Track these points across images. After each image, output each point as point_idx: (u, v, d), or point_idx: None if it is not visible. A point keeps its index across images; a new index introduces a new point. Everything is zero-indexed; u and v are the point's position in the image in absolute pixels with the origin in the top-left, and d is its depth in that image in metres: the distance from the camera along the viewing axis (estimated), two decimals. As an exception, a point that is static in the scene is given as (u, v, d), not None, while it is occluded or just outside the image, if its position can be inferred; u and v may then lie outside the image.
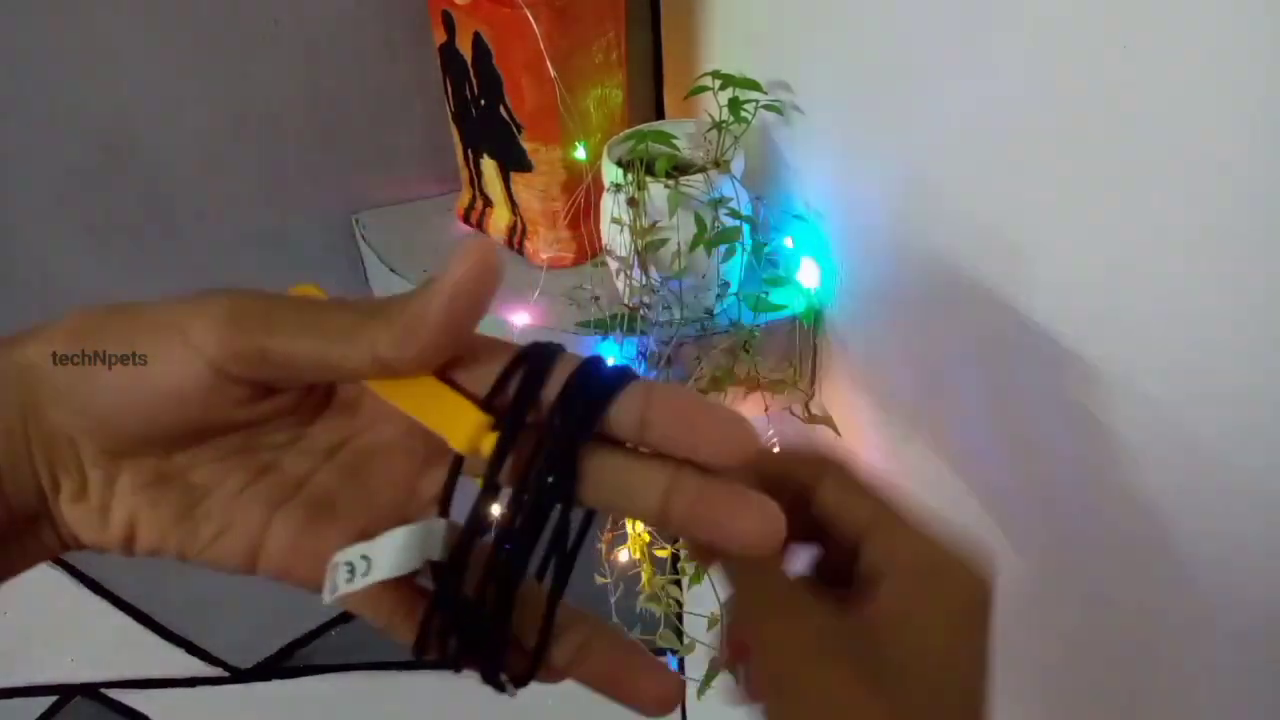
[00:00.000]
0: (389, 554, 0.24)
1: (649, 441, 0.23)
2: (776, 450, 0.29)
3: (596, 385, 0.23)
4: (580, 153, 0.71)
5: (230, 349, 0.24)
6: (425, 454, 0.28)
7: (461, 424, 0.24)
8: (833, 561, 0.29)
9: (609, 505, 0.24)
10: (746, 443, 0.22)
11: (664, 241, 0.62)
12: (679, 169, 0.62)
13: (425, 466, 0.28)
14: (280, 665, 1.21)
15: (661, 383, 0.27)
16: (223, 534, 0.27)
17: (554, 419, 0.23)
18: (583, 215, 0.73)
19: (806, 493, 0.28)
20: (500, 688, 0.26)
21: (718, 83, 0.63)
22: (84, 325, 0.25)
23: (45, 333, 0.25)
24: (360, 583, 0.24)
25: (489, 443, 0.24)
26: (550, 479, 0.23)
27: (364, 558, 0.24)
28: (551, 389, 0.23)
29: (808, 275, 0.67)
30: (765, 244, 0.67)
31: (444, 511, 0.25)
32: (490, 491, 0.24)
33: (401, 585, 0.27)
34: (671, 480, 0.23)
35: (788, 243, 0.68)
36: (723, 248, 0.61)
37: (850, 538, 0.27)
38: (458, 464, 0.25)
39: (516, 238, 0.78)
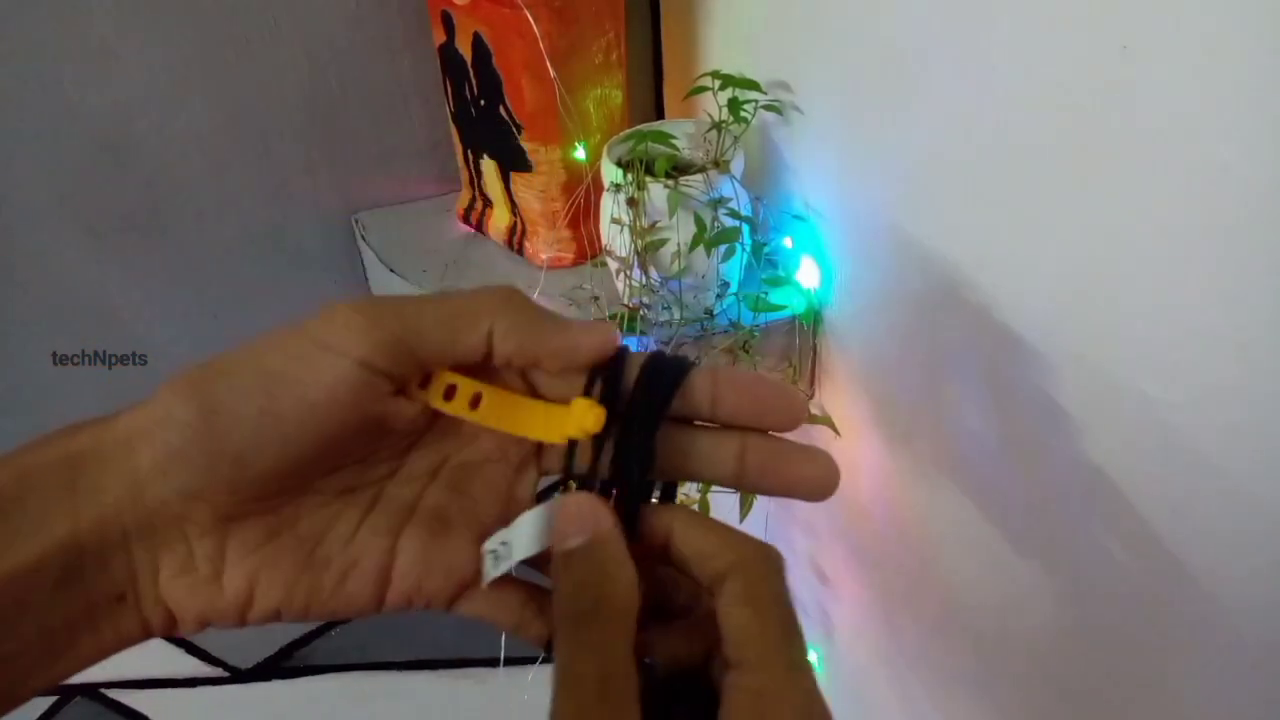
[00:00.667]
0: (524, 536, 0.27)
1: (719, 416, 0.27)
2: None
3: (669, 372, 0.27)
4: (580, 153, 0.71)
5: (374, 339, 0.25)
6: (517, 462, 0.30)
7: (564, 416, 0.27)
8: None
9: (691, 472, 0.28)
10: (800, 409, 0.27)
11: (664, 242, 0.62)
12: (679, 169, 0.62)
13: (518, 474, 0.30)
14: (280, 665, 1.21)
15: (723, 366, 0.28)
16: (348, 574, 0.27)
17: (639, 397, 0.27)
18: (582, 215, 0.73)
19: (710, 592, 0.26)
20: None
21: (717, 83, 0.63)
22: (197, 382, 0.25)
23: (150, 408, 0.25)
24: (504, 565, 0.27)
25: (595, 419, 0.27)
26: (640, 445, 0.27)
27: (504, 544, 0.27)
28: (629, 378, 0.27)
29: (807, 275, 0.67)
30: (765, 244, 0.67)
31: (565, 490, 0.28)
32: (596, 458, 0.27)
33: (526, 586, 0.29)
34: (742, 444, 0.27)
35: (787, 243, 0.68)
36: (722, 248, 0.61)
37: (725, 659, 0.24)
38: (572, 448, 0.28)
39: (516, 238, 0.78)
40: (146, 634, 0.26)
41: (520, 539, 0.27)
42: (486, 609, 0.29)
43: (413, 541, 0.28)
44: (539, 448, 0.30)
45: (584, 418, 0.27)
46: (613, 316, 0.66)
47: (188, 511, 0.25)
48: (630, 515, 0.27)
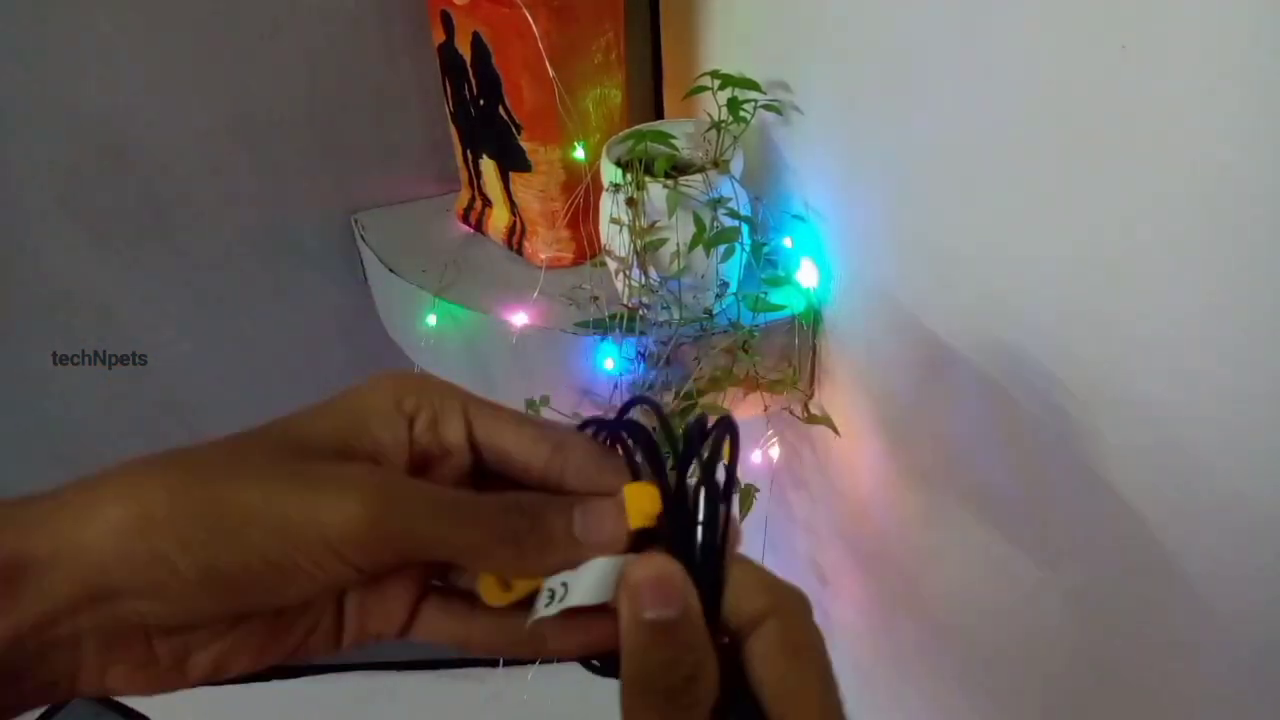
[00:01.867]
0: (588, 583, 0.25)
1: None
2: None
3: (714, 431, 0.26)
4: (579, 153, 0.71)
5: (381, 560, 0.24)
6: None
7: (627, 504, 0.26)
8: None
9: None
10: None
11: (663, 241, 0.62)
12: (678, 169, 0.62)
13: None
14: (280, 665, 1.21)
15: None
16: (310, 634, 0.27)
17: (699, 460, 0.26)
18: (582, 215, 0.73)
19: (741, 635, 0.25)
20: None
21: (717, 83, 0.63)
22: (195, 530, 0.23)
23: (105, 514, 0.23)
24: (555, 608, 0.25)
25: (651, 499, 0.26)
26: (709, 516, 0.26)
27: (564, 584, 0.26)
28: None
29: (807, 275, 0.67)
30: (764, 244, 0.67)
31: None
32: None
33: (466, 599, 0.29)
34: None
35: (787, 243, 0.68)
36: (722, 248, 0.61)
37: (764, 709, 0.24)
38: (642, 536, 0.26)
39: (515, 238, 0.78)
40: (65, 700, 0.26)
41: (583, 585, 0.26)
42: (429, 635, 0.28)
43: (353, 594, 0.27)
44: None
45: (642, 502, 0.25)
46: (612, 316, 0.66)
47: (160, 625, 0.24)
48: (713, 590, 0.25)
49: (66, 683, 0.24)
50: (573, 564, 0.26)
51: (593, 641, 0.27)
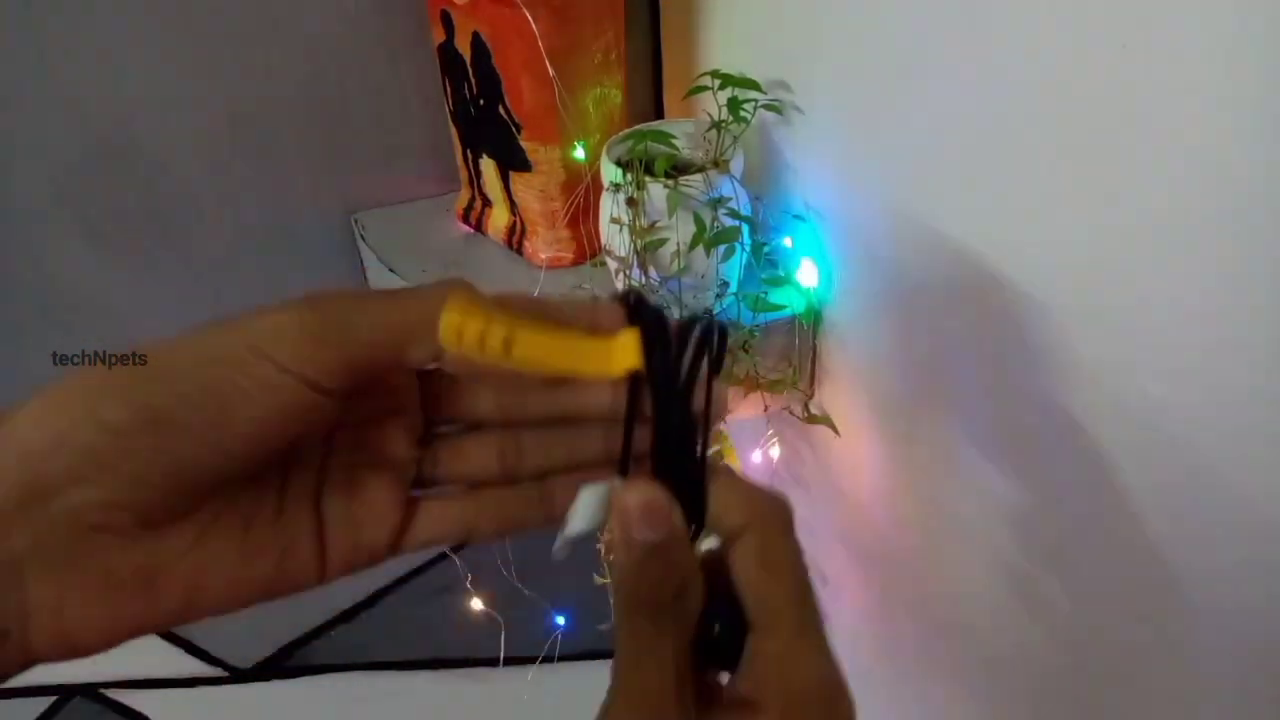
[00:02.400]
0: (580, 513, 0.27)
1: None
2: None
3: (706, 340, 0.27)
4: (579, 152, 0.71)
5: (322, 360, 0.23)
6: (403, 405, 0.29)
7: (609, 350, 0.26)
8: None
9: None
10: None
11: (663, 241, 0.62)
12: (678, 169, 0.62)
13: (405, 416, 0.29)
14: (280, 665, 1.21)
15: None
16: (286, 554, 0.26)
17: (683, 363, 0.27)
18: (582, 215, 0.73)
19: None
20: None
21: (717, 82, 0.63)
22: (129, 384, 0.22)
23: (25, 411, 0.22)
24: (567, 536, 0.27)
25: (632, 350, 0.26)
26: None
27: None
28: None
29: (807, 275, 0.67)
30: (764, 244, 0.67)
31: (627, 444, 0.27)
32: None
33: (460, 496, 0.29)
34: None
35: (787, 242, 0.68)
36: (722, 248, 0.61)
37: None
38: (633, 390, 0.26)
39: (515, 237, 0.78)
40: (25, 667, 0.22)
41: (578, 515, 0.27)
42: (429, 534, 0.28)
43: (334, 501, 0.27)
44: (424, 388, 0.28)
45: (631, 350, 0.26)
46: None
47: (108, 520, 0.22)
48: (696, 500, 0.26)
49: (18, 631, 0.21)
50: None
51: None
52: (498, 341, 0.25)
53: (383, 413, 0.28)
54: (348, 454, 0.28)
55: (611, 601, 0.26)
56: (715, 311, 0.66)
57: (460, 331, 0.24)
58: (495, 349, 0.25)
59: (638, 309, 0.27)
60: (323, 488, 0.27)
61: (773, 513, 0.26)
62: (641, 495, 0.24)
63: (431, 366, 0.26)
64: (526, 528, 0.28)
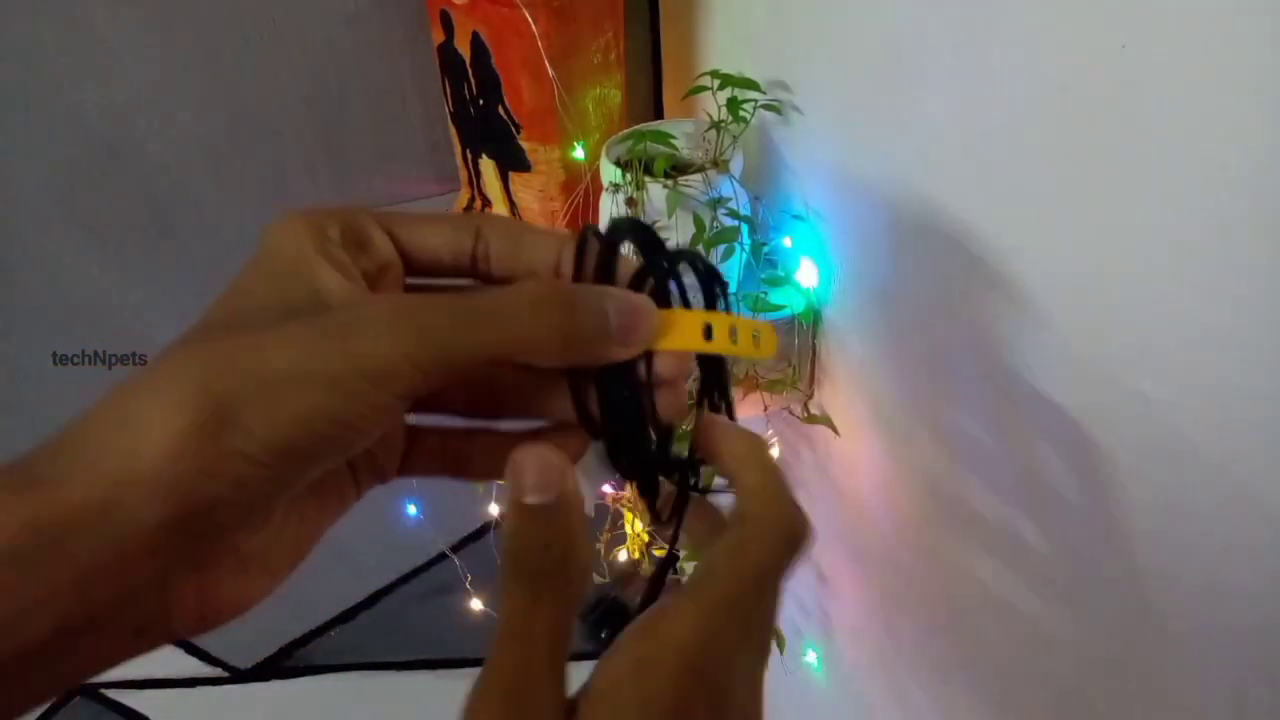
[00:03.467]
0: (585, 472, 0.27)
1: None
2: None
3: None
4: (579, 153, 0.71)
5: (429, 379, 0.23)
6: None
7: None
8: None
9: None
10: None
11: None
12: (677, 169, 0.62)
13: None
14: (280, 665, 1.21)
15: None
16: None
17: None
18: (581, 215, 0.73)
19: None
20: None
21: (716, 82, 0.63)
22: (216, 407, 0.21)
23: (152, 435, 0.21)
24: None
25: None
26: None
27: None
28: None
29: (806, 275, 0.67)
30: (764, 244, 0.67)
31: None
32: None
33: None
34: None
35: (786, 242, 0.68)
36: (721, 248, 0.61)
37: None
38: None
39: (516, 238, 0.78)
40: (155, 648, 0.23)
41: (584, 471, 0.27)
42: (423, 466, 0.29)
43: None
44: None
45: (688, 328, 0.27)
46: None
47: (244, 524, 0.23)
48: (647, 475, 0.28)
49: (159, 624, 0.22)
50: (605, 359, 0.26)
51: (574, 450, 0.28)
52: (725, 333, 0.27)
53: None
54: None
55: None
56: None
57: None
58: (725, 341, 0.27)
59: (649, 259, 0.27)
60: None
61: (781, 523, 0.27)
62: (535, 455, 0.24)
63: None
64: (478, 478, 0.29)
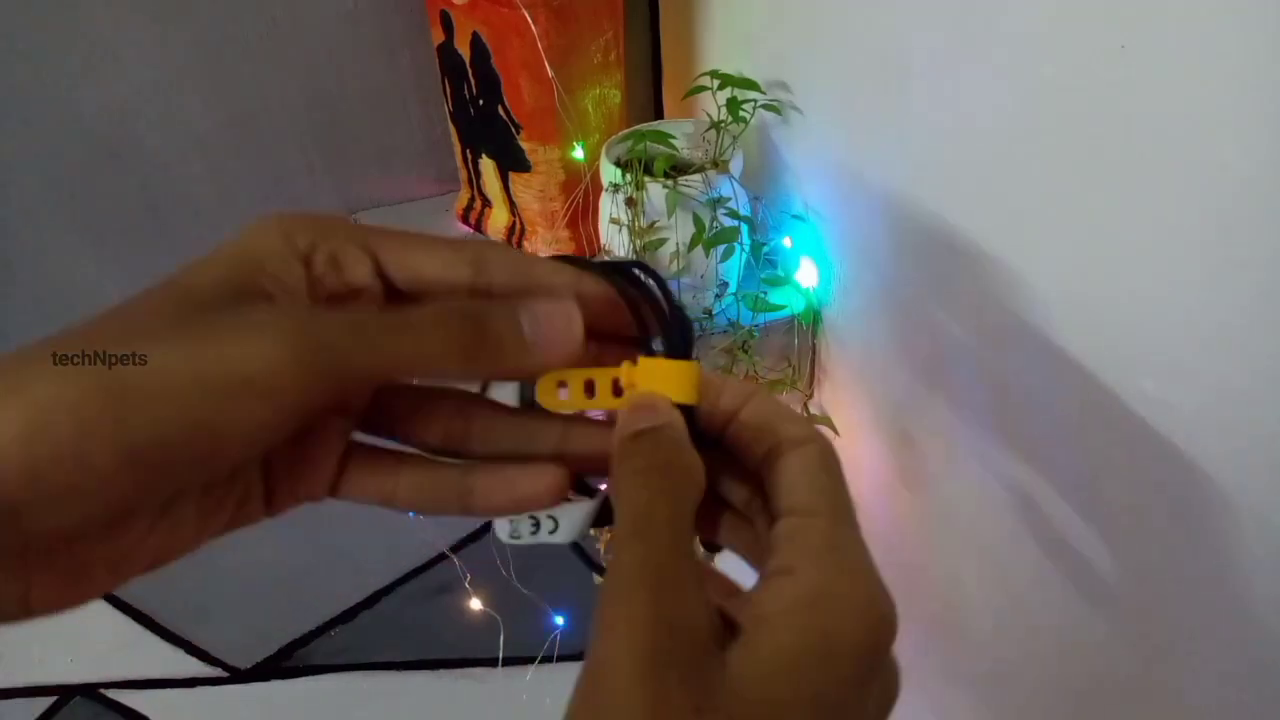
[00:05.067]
0: (577, 520, 0.28)
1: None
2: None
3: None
4: (579, 153, 0.71)
5: (314, 388, 0.22)
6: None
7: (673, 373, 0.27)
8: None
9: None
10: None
11: (662, 241, 0.62)
12: (677, 169, 0.62)
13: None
14: (280, 665, 1.21)
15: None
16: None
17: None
18: (581, 215, 0.73)
19: (773, 455, 0.26)
20: None
21: (716, 83, 0.63)
22: (63, 402, 0.20)
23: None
24: (544, 539, 0.28)
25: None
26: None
27: (553, 519, 0.28)
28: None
29: (806, 275, 0.67)
30: (764, 244, 0.67)
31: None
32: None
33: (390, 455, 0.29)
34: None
35: (786, 243, 0.68)
36: (721, 248, 0.61)
37: (778, 508, 0.25)
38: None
39: (515, 238, 0.78)
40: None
41: (569, 522, 0.28)
42: (355, 490, 0.28)
43: (280, 455, 0.26)
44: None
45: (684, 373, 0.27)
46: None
47: (82, 532, 0.22)
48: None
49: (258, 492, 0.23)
50: (526, 370, 0.26)
51: (521, 498, 0.27)
52: (606, 390, 0.27)
53: None
54: None
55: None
56: (714, 310, 0.66)
57: (555, 390, 0.27)
58: (601, 399, 0.27)
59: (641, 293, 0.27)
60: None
61: (827, 442, 0.27)
62: (645, 396, 0.26)
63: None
64: (441, 513, 0.28)
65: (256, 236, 0.25)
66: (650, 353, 0.27)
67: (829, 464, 0.26)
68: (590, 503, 0.28)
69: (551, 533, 0.28)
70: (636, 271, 0.28)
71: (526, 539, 0.28)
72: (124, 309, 0.23)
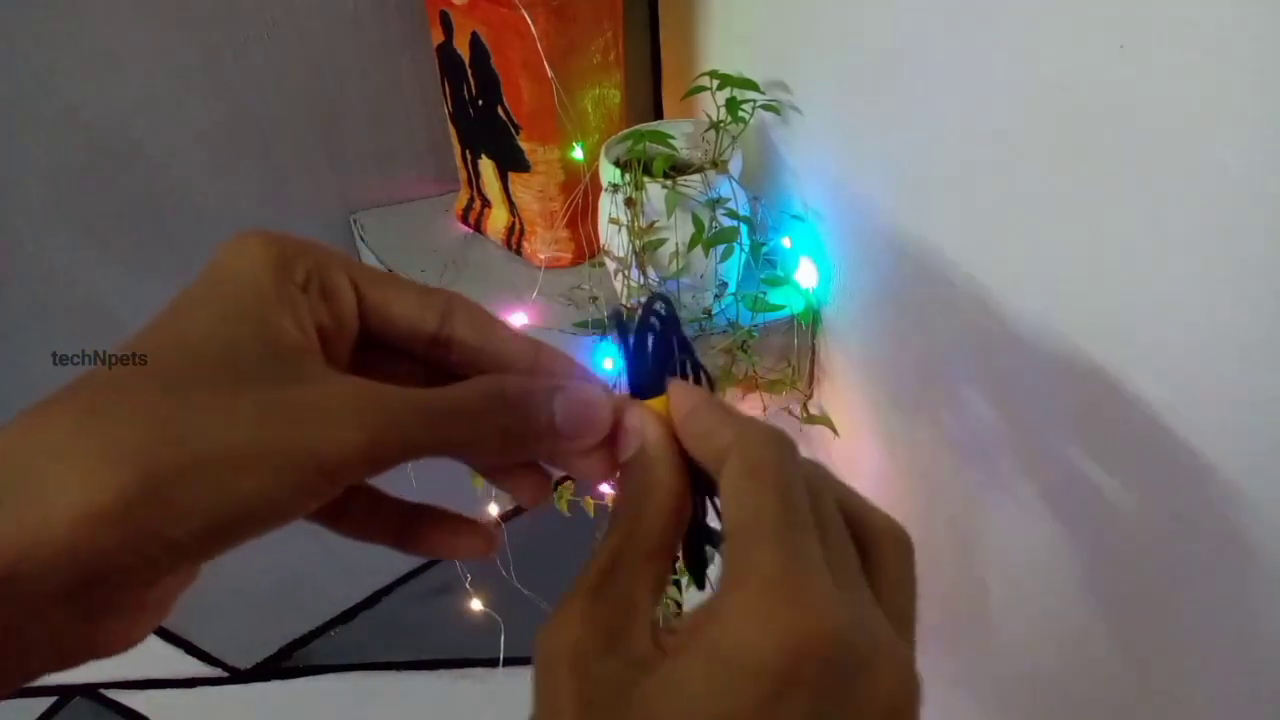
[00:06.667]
0: None
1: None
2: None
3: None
4: (578, 153, 0.71)
5: (372, 473, 0.23)
6: None
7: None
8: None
9: None
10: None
11: (662, 242, 0.62)
12: (677, 169, 0.62)
13: None
14: (280, 665, 1.21)
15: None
16: None
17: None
18: (580, 215, 0.73)
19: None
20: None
21: (715, 83, 0.63)
22: (145, 483, 0.20)
23: (69, 499, 0.19)
24: None
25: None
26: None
27: None
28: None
29: (806, 275, 0.67)
30: (763, 244, 0.67)
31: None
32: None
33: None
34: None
35: (786, 243, 0.68)
36: (720, 248, 0.61)
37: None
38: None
39: (514, 238, 0.78)
40: (35, 678, 0.22)
41: None
42: (356, 529, 0.28)
43: None
44: None
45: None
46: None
47: (145, 583, 0.22)
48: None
49: (42, 663, 0.21)
50: (553, 455, 0.27)
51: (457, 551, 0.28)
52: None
53: None
54: None
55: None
56: (714, 311, 0.66)
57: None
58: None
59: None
60: None
61: (762, 435, 0.24)
62: (633, 414, 0.26)
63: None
64: (379, 544, 0.28)
65: (250, 264, 0.24)
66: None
67: (755, 468, 0.23)
68: None
69: None
70: (656, 311, 0.28)
71: None
72: (157, 372, 0.22)
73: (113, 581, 0.20)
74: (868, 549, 0.25)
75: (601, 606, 0.23)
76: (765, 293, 0.67)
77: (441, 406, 0.24)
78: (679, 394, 0.27)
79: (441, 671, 1.26)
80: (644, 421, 0.26)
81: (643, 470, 0.26)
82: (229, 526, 0.21)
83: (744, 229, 0.62)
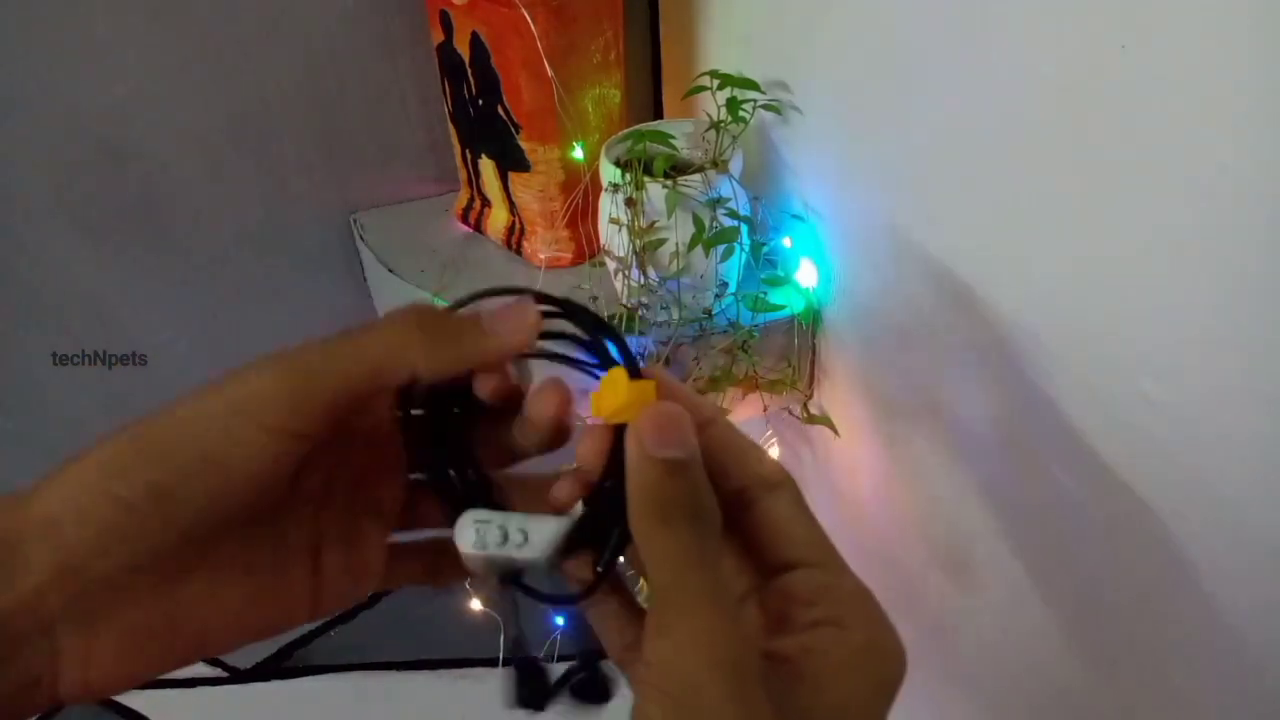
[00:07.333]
0: (543, 535, 0.27)
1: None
2: (738, 444, 0.28)
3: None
4: (578, 153, 0.71)
5: (299, 410, 0.25)
6: (386, 439, 0.31)
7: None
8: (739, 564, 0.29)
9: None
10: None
11: (662, 241, 0.62)
12: (677, 169, 0.62)
13: (392, 452, 0.31)
14: (280, 665, 1.21)
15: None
16: (282, 596, 0.28)
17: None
18: (581, 215, 0.73)
19: (746, 495, 0.28)
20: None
21: (716, 82, 0.63)
22: (134, 462, 0.24)
23: (74, 488, 0.24)
24: (511, 552, 0.27)
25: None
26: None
27: (522, 531, 0.27)
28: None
29: (806, 275, 0.67)
30: (764, 244, 0.67)
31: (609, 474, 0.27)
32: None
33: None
34: None
35: (786, 243, 0.68)
36: (721, 248, 0.61)
37: (782, 558, 0.27)
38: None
39: (514, 238, 0.78)
40: (45, 709, 0.25)
41: (540, 537, 0.27)
42: (404, 576, 0.31)
43: (333, 551, 0.29)
44: (399, 420, 0.30)
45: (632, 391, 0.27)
46: (611, 317, 0.66)
47: (132, 582, 0.24)
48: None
49: (48, 678, 0.24)
50: (489, 356, 0.27)
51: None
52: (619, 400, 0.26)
53: (370, 468, 0.30)
54: (342, 509, 0.30)
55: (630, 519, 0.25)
56: (714, 311, 0.66)
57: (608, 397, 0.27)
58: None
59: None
60: (321, 540, 0.29)
61: (788, 477, 0.28)
62: (673, 411, 0.25)
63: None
64: (413, 584, 0.32)
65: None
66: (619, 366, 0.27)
67: (805, 504, 0.28)
68: (564, 519, 0.27)
69: (520, 546, 0.27)
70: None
71: (492, 550, 0.27)
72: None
73: (89, 564, 0.23)
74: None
75: (735, 624, 0.24)
76: (766, 293, 0.67)
77: (351, 334, 0.26)
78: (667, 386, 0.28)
79: (441, 671, 1.26)
80: (690, 426, 0.26)
81: (705, 490, 0.26)
82: (166, 484, 0.24)
83: (744, 229, 0.62)
